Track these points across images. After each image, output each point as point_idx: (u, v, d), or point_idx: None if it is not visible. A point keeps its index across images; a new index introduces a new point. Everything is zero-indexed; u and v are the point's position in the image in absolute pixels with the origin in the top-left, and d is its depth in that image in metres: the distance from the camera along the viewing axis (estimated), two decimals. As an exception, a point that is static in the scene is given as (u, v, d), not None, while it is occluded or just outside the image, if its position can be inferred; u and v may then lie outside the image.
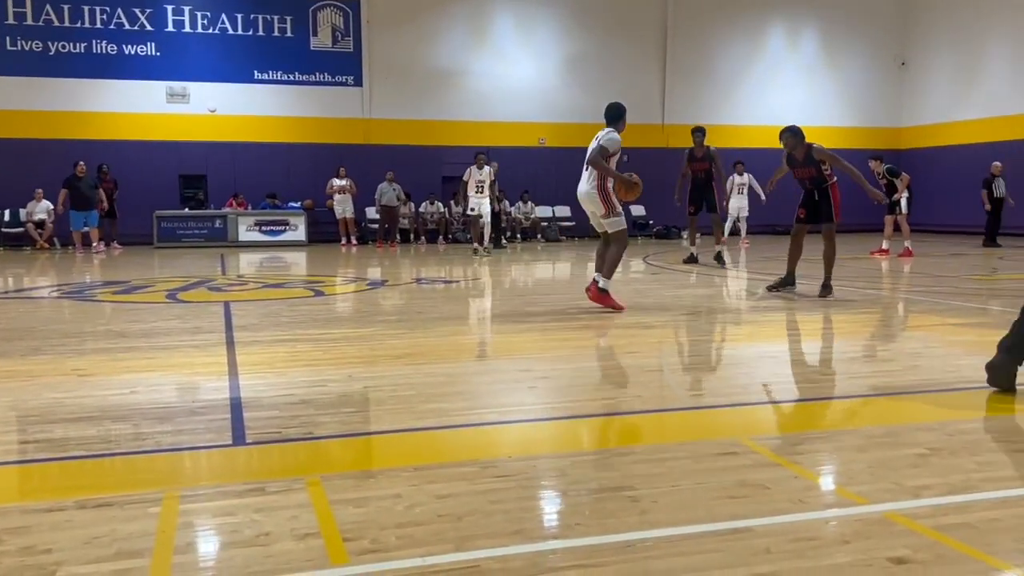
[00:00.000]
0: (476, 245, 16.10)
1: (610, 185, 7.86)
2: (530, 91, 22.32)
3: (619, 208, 7.90)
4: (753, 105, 23.64)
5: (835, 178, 8.84)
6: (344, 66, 21.04)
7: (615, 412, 4.27)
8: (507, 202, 21.78)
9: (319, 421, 4.01)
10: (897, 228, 14.58)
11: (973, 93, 22.74)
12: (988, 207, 17.39)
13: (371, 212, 20.41)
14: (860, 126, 24.36)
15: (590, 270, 13.78)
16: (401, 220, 20.67)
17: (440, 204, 21.26)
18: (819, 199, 8.84)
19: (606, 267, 7.87)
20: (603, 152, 7.72)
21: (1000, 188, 17.38)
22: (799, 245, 9.18)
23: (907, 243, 14.59)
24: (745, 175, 18.50)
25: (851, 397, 4.68)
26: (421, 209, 21.08)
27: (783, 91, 23.63)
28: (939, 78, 24.11)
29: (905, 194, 14.36)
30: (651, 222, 22.89)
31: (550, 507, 2.98)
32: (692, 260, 13.09)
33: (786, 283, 9.24)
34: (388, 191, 19.53)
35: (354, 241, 19.73)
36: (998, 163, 17.56)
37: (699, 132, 12.87)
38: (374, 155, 20.74)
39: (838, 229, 8.91)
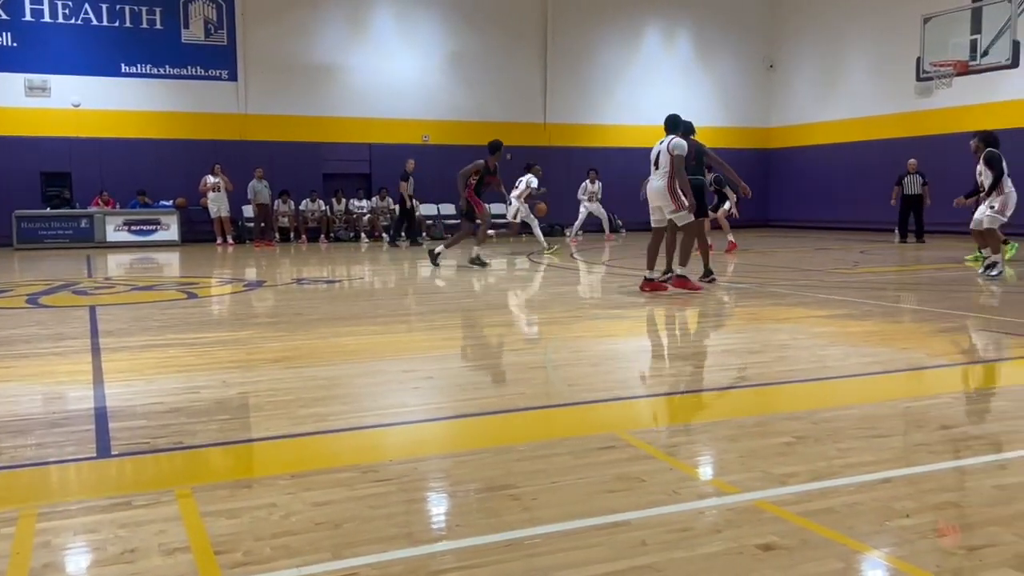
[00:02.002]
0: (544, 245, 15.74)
1: (679, 185, 8.76)
2: (412, 87, 22.15)
3: (687, 204, 8.78)
4: (632, 104, 24.19)
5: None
6: (218, 60, 20.35)
7: (498, 410, 4.29)
8: (390, 199, 21.59)
9: (191, 430, 3.86)
10: (717, 225, 15.29)
11: (835, 95, 23.95)
12: (893, 202, 18.09)
13: (248, 210, 19.85)
14: (732, 126, 25.28)
15: (475, 267, 13.82)
16: (281, 219, 20.20)
17: (321, 202, 20.86)
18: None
19: (680, 254, 9.04)
20: (680, 161, 8.72)
21: (914, 185, 17.79)
22: (671, 240, 9.55)
23: (729, 237, 15.34)
24: (597, 183, 19.25)
25: (723, 389, 4.85)
26: (302, 207, 20.63)
27: (660, 91, 24.26)
28: (804, 80, 25.29)
29: (734, 198, 15.21)
30: (534, 219, 23.12)
31: (432, 509, 2.96)
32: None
33: (706, 275, 9.75)
34: (261, 189, 19.05)
35: (230, 241, 19.14)
36: (913, 160, 18.10)
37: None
38: (250, 151, 20.14)
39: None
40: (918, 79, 17.19)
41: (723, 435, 3.80)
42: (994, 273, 9.90)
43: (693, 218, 8.97)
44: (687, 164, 9.32)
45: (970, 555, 2.46)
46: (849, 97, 23.54)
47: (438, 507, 2.98)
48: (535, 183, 16.08)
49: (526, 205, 16.04)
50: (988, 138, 10.56)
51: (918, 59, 17.07)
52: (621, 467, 3.29)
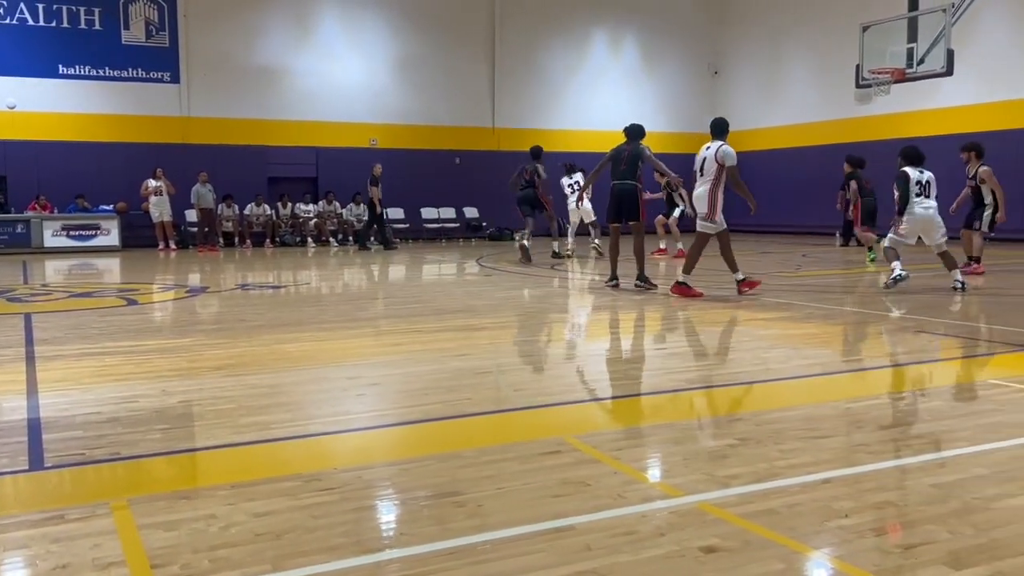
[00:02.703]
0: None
1: (719, 194, 8.90)
2: (360, 91, 22.00)
3: (718, 217, 8.94)
4: (580, 109, 24.35)
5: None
6: (160, 62, 19.97)
7: (444, 416, 4.26)
8: (337, 204, 21.40)
9: (128, 440, 3.76)
10: (669, 230, 15.50)
11: (778, 101, 24.40)
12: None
13: (191, 215, 19.50)
14: (678, 131, 25.56)
15: (426, 272, 13.77)
16: (225, 223, 19.89)
17: (267, 206, 20.59)
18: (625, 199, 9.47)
19: (731, 264, 9.07)
20: (733, 171, 8.85)
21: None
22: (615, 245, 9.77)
23: (679, 245, 15.56)
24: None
25: (669, 392, 4.88)
26: (246, 211, 20.34)
27: (607, 96, 24.46)
28: (748, 87, 25.72)
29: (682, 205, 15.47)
30: (484, 224, 23.13)
31: (377, 518, 2.93)
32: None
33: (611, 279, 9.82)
34: (204, 192, 18.75)
35: (173, 246, 18.78)
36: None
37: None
38: (194, 155, 19.81)
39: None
40: (857, 86, 17.59)
41: (668, 438, 3.83)
42: (891, 280, 9.36)
43: (716, 232, 9.00)
44: (618, 168, 9.42)
45: (906, 553, 2.51)
46: (791, 104, 24.00)
47: (383, 515, 2.95)
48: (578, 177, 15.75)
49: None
50: (905, 153, 9.83)
51: (857, 67, 17.47)
52: (567, 471, 3.29)
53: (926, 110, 19.71)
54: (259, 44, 20.95)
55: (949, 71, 15.73)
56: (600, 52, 25.09)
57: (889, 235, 9.66)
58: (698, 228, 9.10)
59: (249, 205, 20.32)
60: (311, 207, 21.29)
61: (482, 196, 23.29)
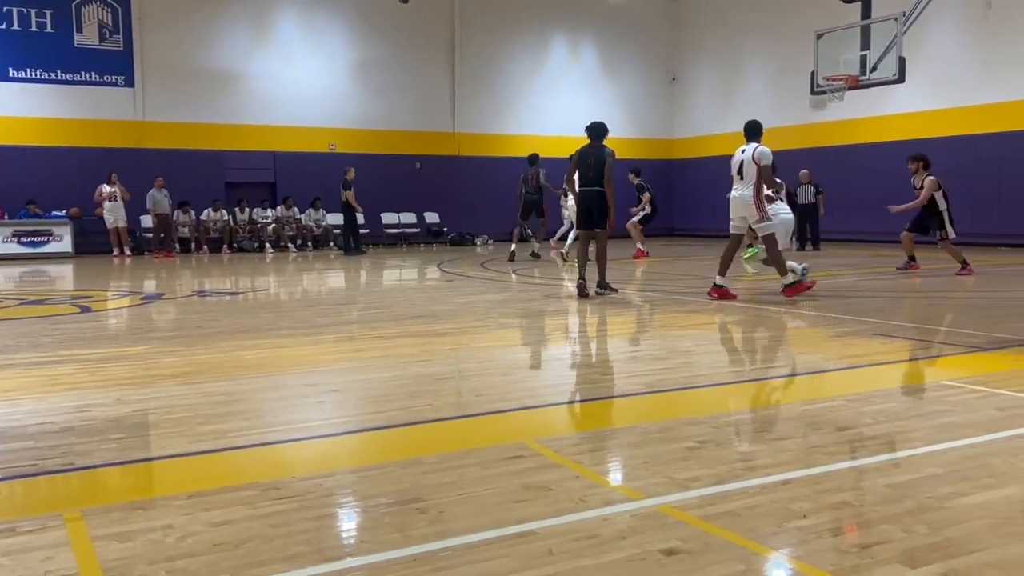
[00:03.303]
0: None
1: (763, 194, 8.88)
2: (319, 95, 21.86)
3: (769, 215, 8.94)
4: (539, 114, 24.43)
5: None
6: (114, 65, 19.66)
7: (405, 423, 4.23)
8: (296, 209, 21.23)
9: (82, 450, 3.69)
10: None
11: (735, 107, 24.67)
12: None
13: (147, 221, 19.21)
14: (637, 137, 25.79)
15: (387, 278, 13.71)
16: (181, 229, 19.62)
17: (224, 211, 20.36)
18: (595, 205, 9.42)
19: (779, 267, 8.97)
20: (768, 171, 8.80)
21: (807, 195, 18.44)
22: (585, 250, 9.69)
23: (639, 245, 16.16)
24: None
25: (629, 395, 4.91)
26: (203, 217, 20.08)
27: (567, 102, 24.58)
28: (705, 93, 26.02)
29: (647, 209, 15.66)
30: (445, 229, 23.10)
31: (337, 526, 2.90)
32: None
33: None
34: (160, 198, 18.48)
35: (128, 252, 18.48)
36: (805, 171, 18.81)
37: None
38: (149, 160, 19.53)
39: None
40: (812, 93, 17.89)
41: (628, 441, 3.85)
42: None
43: (773, 230, 9.03)
44: (585, 174, 9.32)
45: (863, 553, 2.55)
46: (747, 110, 24.21)
47: (343, 523, 2.92)
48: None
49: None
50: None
51: (812, 74, 17.76)
52: (529, 476, 3.29)
53: (879, 116, 20.10)
54: (216, 47, 20.72)
55: (901, 78, 16.06)
56: (559, 58, 25.22)
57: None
58: (757, 232, 9.15)
59: (206, 210, 20.08)
60: (269, 212, 21.10)
61: (443, 201, 23.29)
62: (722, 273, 9.17)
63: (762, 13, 23.50)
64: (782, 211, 9.77)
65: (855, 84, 16.84)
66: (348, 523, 2.92)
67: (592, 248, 9.64)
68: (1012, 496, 3.02)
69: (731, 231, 9.27)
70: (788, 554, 2.58)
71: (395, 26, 22.62)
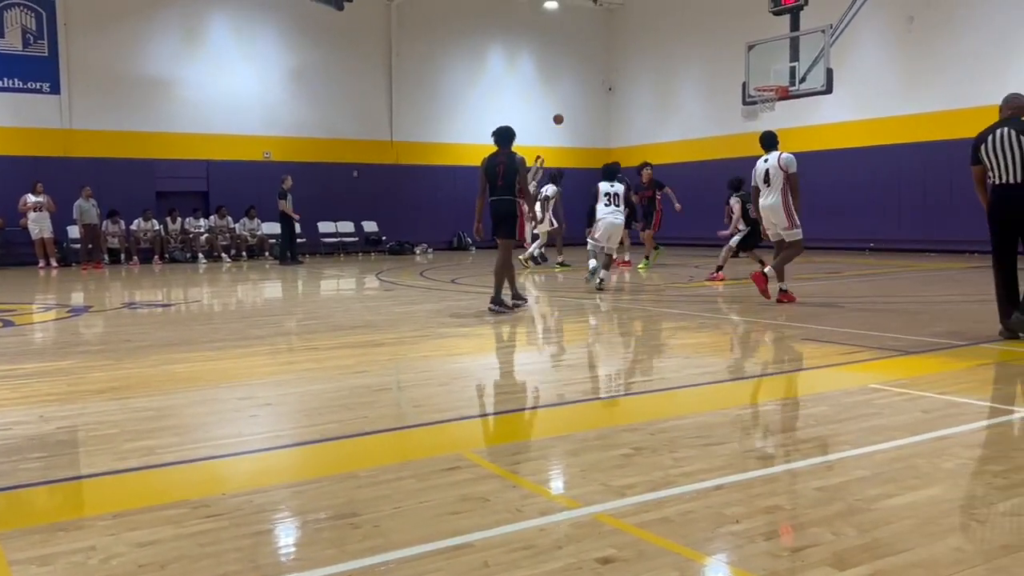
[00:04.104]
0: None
1: (790, 201, 9.11)
2: (253, 103, 21.52)
3: (798, 222, 9.20)
4: (477, 123, 24.39)
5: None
6: (38, 71, 19.05)
7: (340, 436, 4.17)
8: (230, 218, 20.86)
9: (1, 471, 3.54)
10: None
11: (670, 117, 25.09)
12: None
13: (74, 231, 18.65)
14: (575, 146, 25.98)
15: (323, 288, 13.54)
16: (110, 239, 19.11)
17: (155, 221, 19.89)
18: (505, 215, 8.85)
19: (777, 264, 9.20)
20: (796, 179, 9.14)
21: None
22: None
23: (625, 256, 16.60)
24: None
25: (567, 403, 4.92)
26: (133, 227, 19.59)
27: (505, 110, 24.55)
28: (641, 103, 26.36)
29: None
30: (384, 238, 22.93)
31: (268, 543, 2.83)
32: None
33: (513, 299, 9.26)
34: (87, 208, 17.97)
35: (54, 264, 17.90)
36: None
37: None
38: (76, 169, 18.96)
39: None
40: (744, 103, 18.21)
41: (565, 450, 3.85)
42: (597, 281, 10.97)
43: (801, 236, 9.27)
44: (495, 184, 8.77)
45: (794, 556, 2.58)
46: (682, 120, 24.71)
47: (275, 540, 2.85)
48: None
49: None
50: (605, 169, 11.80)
51: (744, 84, 18.10)
52: (465, 488, 3.27)
53: (808, 126, 20.57)
54: (146, 53, 20.26)
55: (829, 89, 16.46)
56: (497, 66, 25.29)
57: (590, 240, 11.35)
58: (786, 239, 9.30)
59: (136, 220, 19.59)
60: (202, 222, 20.68)
61: (382, 210, 23.12)
62: (781, 279, 9.32)
63: (695, 24, 23.92)
64: (608, 215, 11.07)
65: (785, 95, 17.20)
66: (280, 540, 2.86)
67: (497, 257, 8.96)
68: (936, 497, 3.11)
69: (772, 239, 9.56)
70: (722, 559, 2.61)
71: (331, 33, 22.41)
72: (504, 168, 8.81)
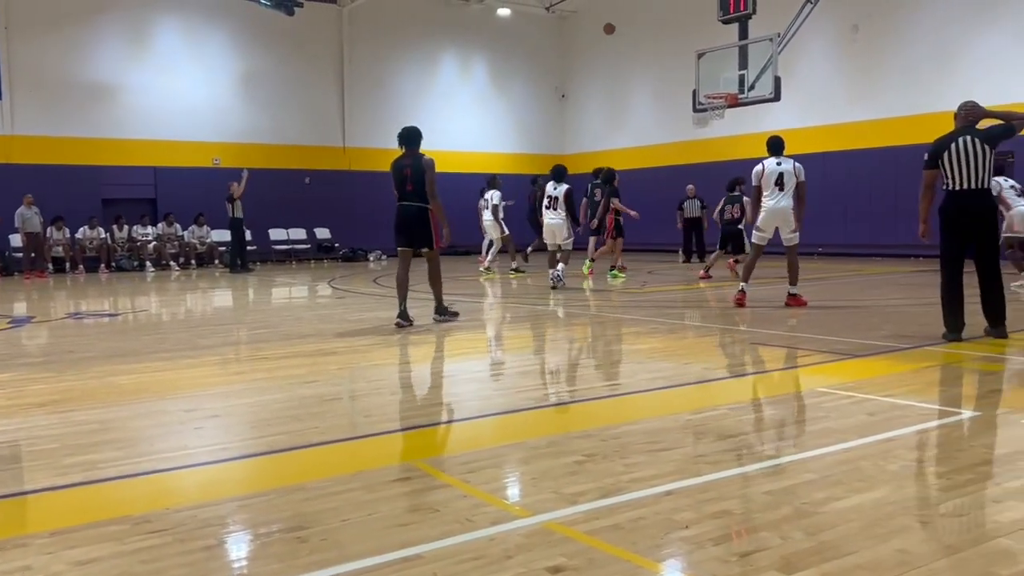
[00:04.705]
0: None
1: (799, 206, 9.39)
2: (202, 109, 21.23)
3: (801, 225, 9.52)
4: (431, 130, 24.22)
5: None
6: (-22, 75, 18.59)
7: (289, 447, 4.10)
8: (178, 226, 20.53)
9: (-68, 489, 3.43)
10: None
11: (622, 124, 25.29)
12: (679, 226, 19.45)
13: (16, 240, 18.19)
14: (529, 152, 26.06)
15: (275, 295, 13.38)
16: (54, 248, 18.67)
17: (101, 229, 19.49)
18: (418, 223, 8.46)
19: (791, 275, 9.51)
20: (803, 186, 9.42)
21: (694, 209, 19.28)
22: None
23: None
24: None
25: (519, 410, 4.90)
26: (78, 235, 19.17)
27: (458, 117, 24.63)
28: (594, 110, 26.54)
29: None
30: (336, 245, 22.74)
31: (212, 559, 2.76)
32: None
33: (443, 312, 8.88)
34: (30, 216, 17.55)
35: (-4, 273, 17.45)
36: (691, 186, 19.58)
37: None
38: (18, 176, 18.52)
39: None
40: (695, 110, 18.43)
41: (517, 457, 3.84)
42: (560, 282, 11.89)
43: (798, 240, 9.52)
44: (403, 188, 8.38)
45: (742, 561, 2.60)
46: (634, 127, 24.92)
47: (220, 556, 2.79)
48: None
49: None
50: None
51: (694, 92, 18.31)
52: (415, 498, 3.24)
53: (757, 133, 20.83)
54: (91, 57, 19.88)
55: (777, 96, 16.72)
56: (450, 73, 25.27)
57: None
58: (785, 242, 9.48)
59: (82, 228, 19.19)
60: (149, 229, 20.33)
61: (334, 216, 22.93)
62: (793, 283, 9.50)
63: (646, 32, 24.15)
64: (546, 217, 12.29)
65: (734, 102, 17.44)
66: (226, 555, 2.79)
67: (428, 269, 8.64)
68: (881, 499, 3.15)
69: (755, 241, 9.62)
70: (672, 565, 2.61)
71: (281, 38, 22.19)
72: (411, 171, 8.36)
